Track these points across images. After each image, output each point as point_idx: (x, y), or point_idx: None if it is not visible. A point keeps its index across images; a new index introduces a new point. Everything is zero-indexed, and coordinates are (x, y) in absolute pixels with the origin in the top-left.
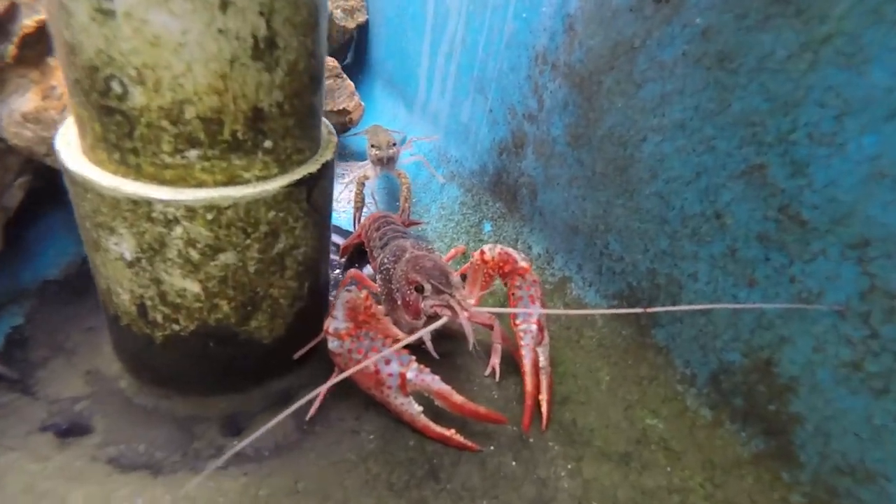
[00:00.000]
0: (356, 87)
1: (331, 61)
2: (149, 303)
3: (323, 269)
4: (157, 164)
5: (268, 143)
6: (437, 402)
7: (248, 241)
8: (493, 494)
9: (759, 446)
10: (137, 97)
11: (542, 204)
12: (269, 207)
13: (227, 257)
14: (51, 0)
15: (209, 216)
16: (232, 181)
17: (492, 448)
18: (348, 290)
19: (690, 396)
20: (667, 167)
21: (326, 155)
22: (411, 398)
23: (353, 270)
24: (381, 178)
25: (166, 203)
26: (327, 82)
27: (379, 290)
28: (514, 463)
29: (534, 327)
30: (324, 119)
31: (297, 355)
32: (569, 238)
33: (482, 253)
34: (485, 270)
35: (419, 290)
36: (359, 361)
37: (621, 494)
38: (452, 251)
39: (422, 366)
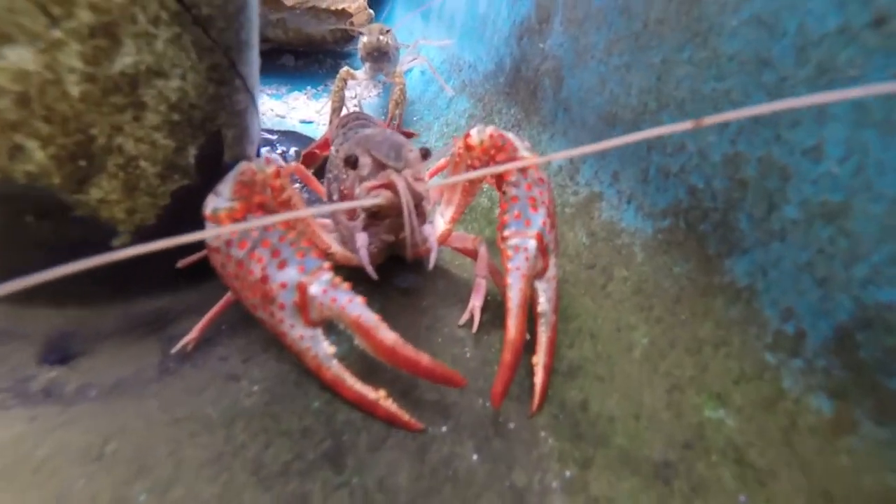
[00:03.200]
0: (376, 15)
1: None
2: None
3: (232, 137)
4: None
5: None
6: (356, 342)
7: (59, 35)
8: None
9: None
10: None
11: (569, 93)
12: None
13: (22, 56)
14: None
15: None
16: None
17: (444, 430)
18: (248, 160)
19: (790, 373)
20: None
21: None
22: (319, 332)
23: (294, 164)
24: (380, 95)
25: None
26: None
27: (325, 196)
28: (475, 457)
29: (531, 244)
30: None
31: (181, 263)
32: (602, 135)
33: (467, 136)
34: (469, 162)
35: (352, 164)
36: (240, 262)
37: None
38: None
39: (338, 279)
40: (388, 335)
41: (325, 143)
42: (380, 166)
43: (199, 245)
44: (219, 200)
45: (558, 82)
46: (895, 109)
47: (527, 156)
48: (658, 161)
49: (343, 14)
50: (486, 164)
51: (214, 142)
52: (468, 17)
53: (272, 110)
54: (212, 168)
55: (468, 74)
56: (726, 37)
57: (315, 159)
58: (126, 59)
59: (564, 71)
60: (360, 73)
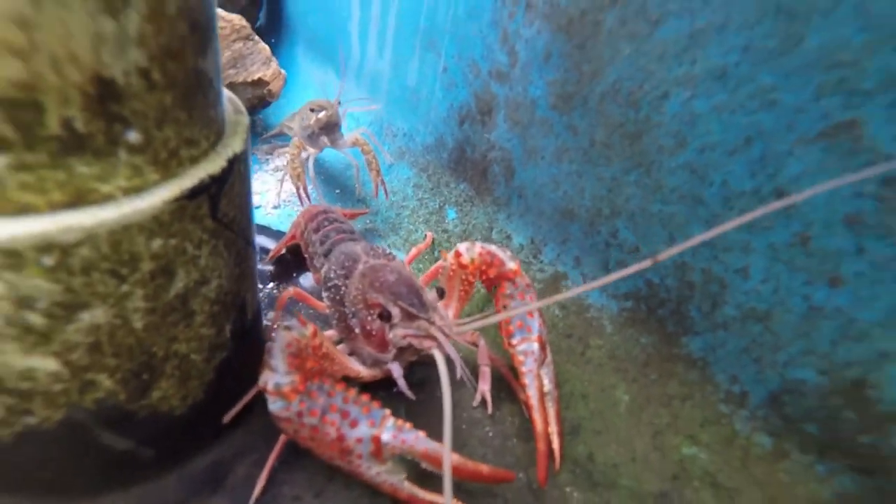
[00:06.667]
0: (273, 53)
1: (237, 19)
2: None
3: (250, 299)
4: None
5: (134, 136)
6: (423, 465)
7: (126, 288)
8: None
9: (845, 485)
10: None
11: (522, 183)
12: (151, 234)
13: (96, 315)
14: None
15: (47, 260)
16: (81, 200)
17: None
18: (287, 328)
19: (740, 419)
20: (700, 132)
21: (234, 144)
22: (390, 464)
23: (292, 289)
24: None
25: None
26: (236, 46)
27: (328, 311)
28: None
29: (535, 346)
30: (227, 93)
31: (226, 418)
32: (561, 225)
33: (458, 255)
34: (463, 277)
35: (384, 317)
36: (314, 427)
37: None
38: (415, 250)
39: (400, 421)
40: (452, 457)
41: (291, 238)
42: (409, 315)
43: (236, 397)
44: (277, 376)
45: (510, 172)
46: (796, 256)
47: (513, 267)
48: (616, 256)
49: (260, 83)
50: (480, 278)
51: (244, 312)
52: (394, 86)
53: None
54: (242, 331)
55: (404, 142)
56: (666, 172)
57: (279, 254)
58: (179, 284)
59: (515, 163)
60: (308, 147)
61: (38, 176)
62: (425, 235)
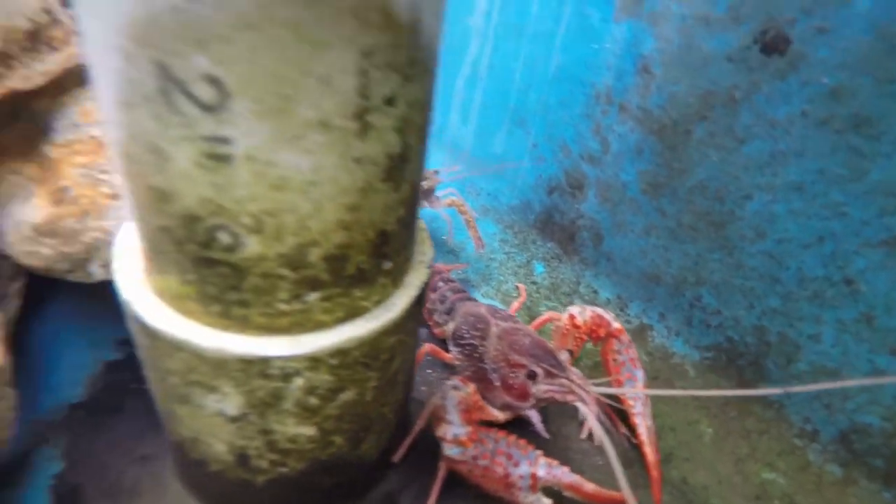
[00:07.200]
0: None
1: None
2: (253, 453)
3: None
4: (269, 314)
5: (387, 265)
6: (566, 493)
7: (369, 374)
8: None
9: None
10: (252, 247)
11: (610, 249)
12: (390, 334)
13: (347, 395)
14: (128, 136)
15: (334, 361)
16: (352, 315)
17: None
18: (455, 388)
19: (813, 451)
20: (779, 228)
21: (426, 250)
22: (540, 493)
23: (428, 345)
24: None
25: (287, 359)
26: None
27: (456, 362)
28: None
29: (641, 393)
30: None
31: (396, 458)
32: (647, 286)
33: (572, 317)
34: (576, 335)
35: (531, 376)
36: (486, 468)
37: None
38: (516, 304)
39: (549, 459)
40: (589, 486)
41: None
42: (551, 374)
43: (402, 440)
44: (454, 428)
45: (598, 238)
46: (862, 330)
47: (619, 327)
48: (699, 316)
49: None
50: (590, 336)
51: (414, 375)
52: (480, 152)
53: None
54: (411, 390)
55: (487, 200)
56: (747, 256)
57: None
58: (396, 365)
59: (604, 232)
60: None
61: (334, 302)
62: (517, 287)
